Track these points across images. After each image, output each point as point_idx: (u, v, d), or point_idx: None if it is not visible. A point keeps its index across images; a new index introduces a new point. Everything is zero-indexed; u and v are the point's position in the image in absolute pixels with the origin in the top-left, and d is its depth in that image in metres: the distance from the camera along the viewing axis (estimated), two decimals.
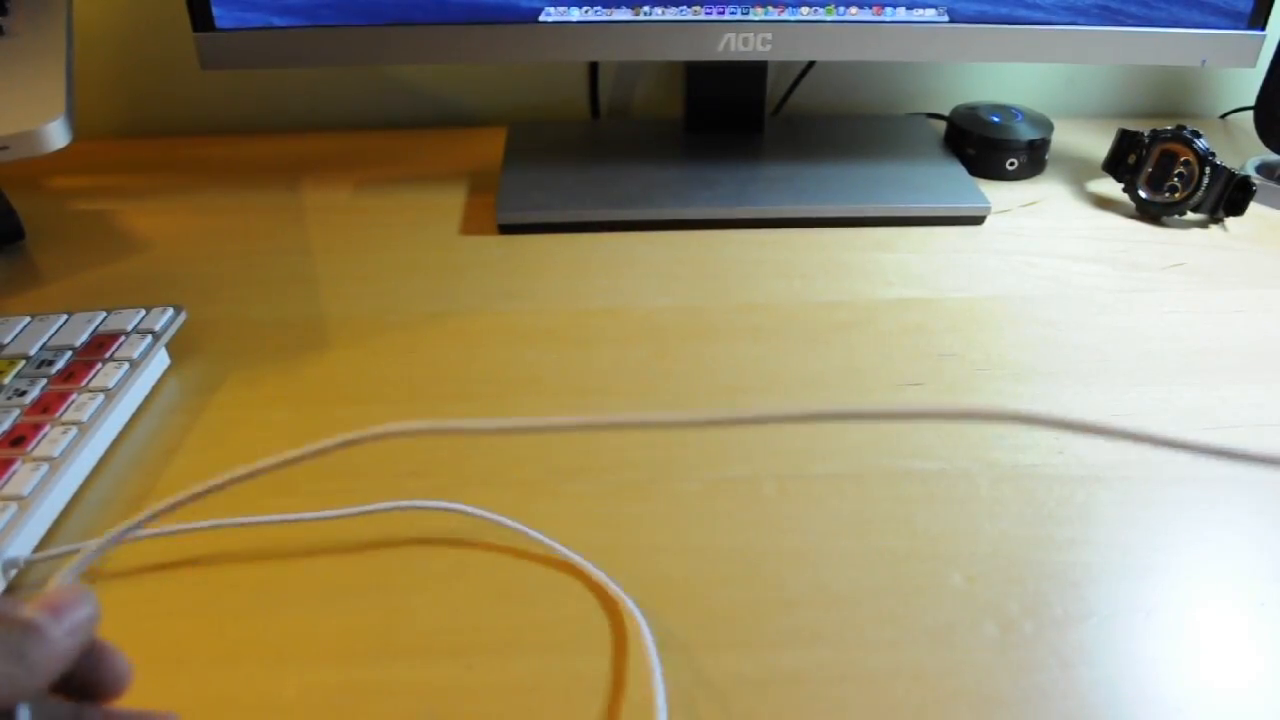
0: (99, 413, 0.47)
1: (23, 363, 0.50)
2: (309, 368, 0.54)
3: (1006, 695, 0.37)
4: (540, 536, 0.43)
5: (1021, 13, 0.65)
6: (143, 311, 0.54)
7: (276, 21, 0.63)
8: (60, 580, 0.29)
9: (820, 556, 0.43)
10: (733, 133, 0.76)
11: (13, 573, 0.40)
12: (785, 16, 0.64)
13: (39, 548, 0.42)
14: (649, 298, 0.60)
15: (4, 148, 0.53)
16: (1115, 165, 0.71)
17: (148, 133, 0.81)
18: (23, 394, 0.48)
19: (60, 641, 0.26)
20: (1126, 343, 0.56)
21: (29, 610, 0.27)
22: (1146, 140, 0.68)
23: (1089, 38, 0.65)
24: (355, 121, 0.83)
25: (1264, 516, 0.45)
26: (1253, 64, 0.66)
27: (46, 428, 0.46)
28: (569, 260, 0.64)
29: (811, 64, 0.82)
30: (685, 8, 0.64)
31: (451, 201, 0.70)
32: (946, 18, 0.65)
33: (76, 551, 0.41)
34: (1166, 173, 0.68)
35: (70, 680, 0.28)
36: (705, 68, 0.74)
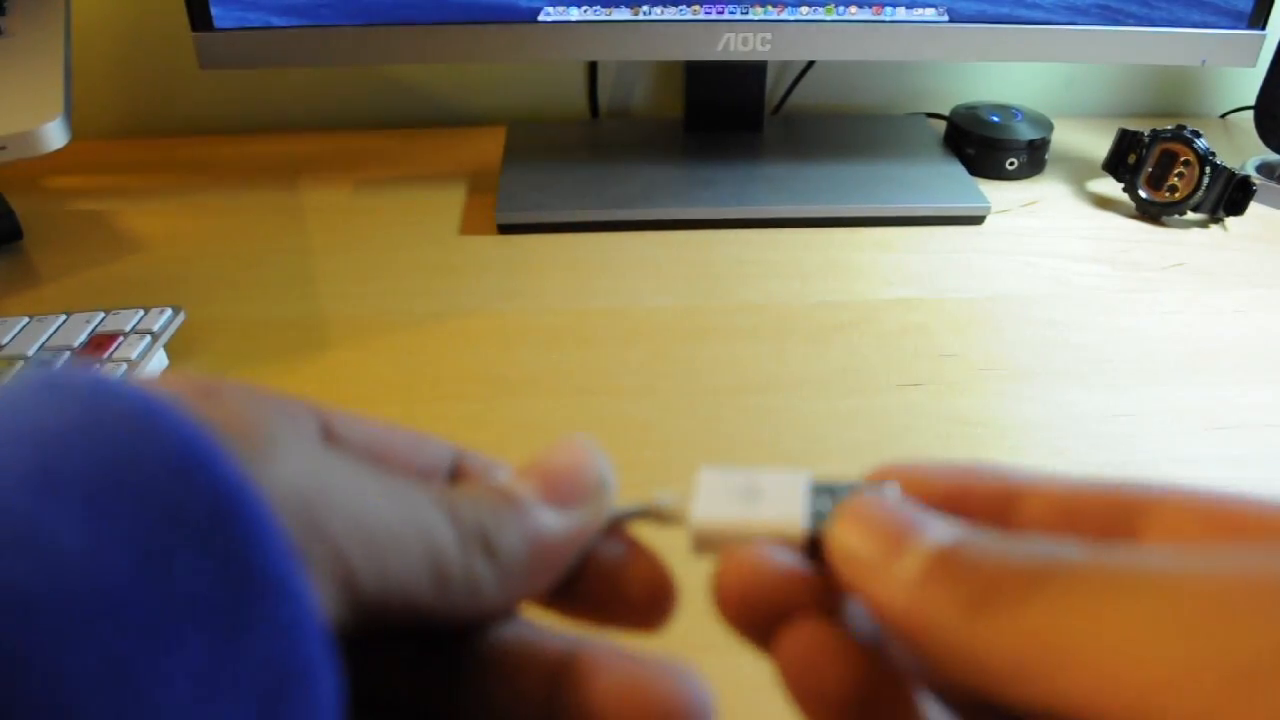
0: None
1: (21, 363, 0.50)
2: (309, 368, 0.54)
3: None
4: None
5: (1021, 12, 0.64)
6: (141, 312, 0.54)
7: (276, 21, 0.62)
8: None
9: None
10: (732, 132, 0.76)
11: None
12: (785, 16, 0.64)
13: None
14: (649, 298, 0.60)
15: (2, 148, 0.53)
16: (1115, 165, 0.71)
17: (147, 133, 0.81)
18: None
19: (550, 531, 0.17)
20: (1126, 343, 0.56)
21: (509, 477, 0.18)
22: (1146, 140, 0.68)
23: (1089, 37, 0.65)
24: (355, 121, 0.83)
25: None
26: (1253, 64, 0.66)
27: None
28: (569, 260, 0.64)
29: (811, 64, 0.82)
30: (685, 7, 0.64)
31: (451, 201, 0.70)
32: (946, 17, 0.65)
33: None
34: (1166, 173, 0.68)
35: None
36: (705, 67, 0.74)
